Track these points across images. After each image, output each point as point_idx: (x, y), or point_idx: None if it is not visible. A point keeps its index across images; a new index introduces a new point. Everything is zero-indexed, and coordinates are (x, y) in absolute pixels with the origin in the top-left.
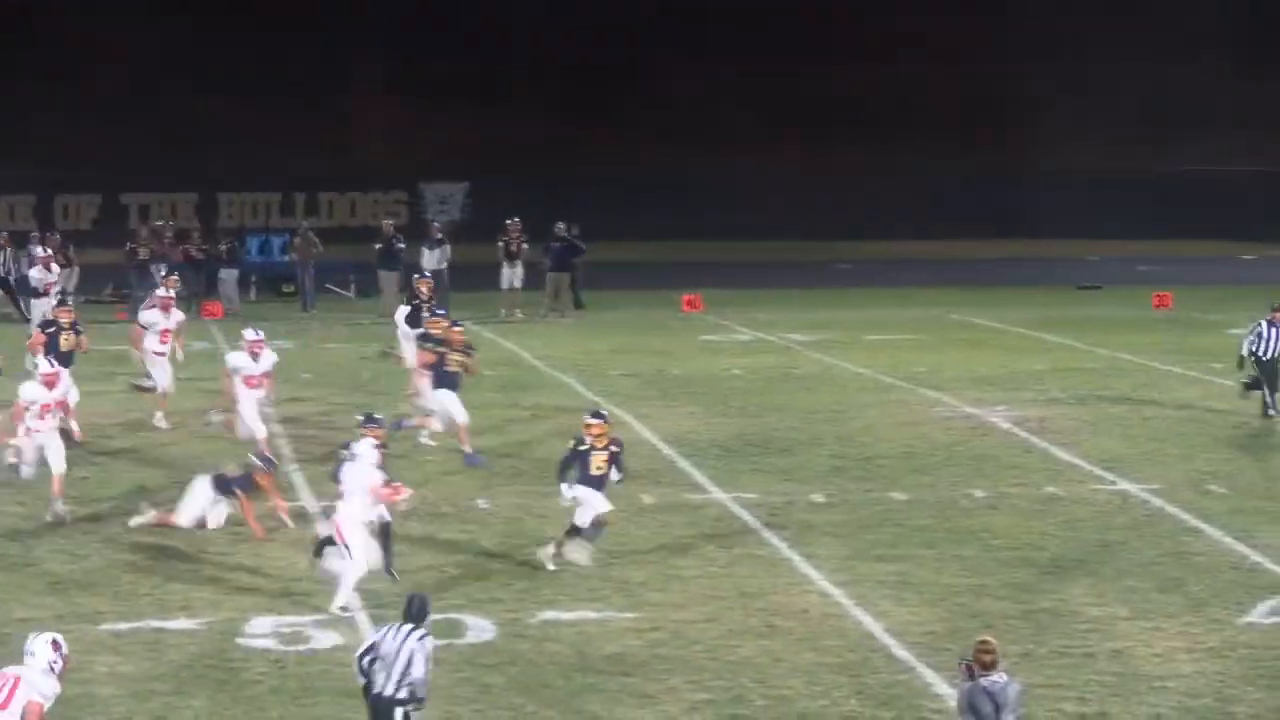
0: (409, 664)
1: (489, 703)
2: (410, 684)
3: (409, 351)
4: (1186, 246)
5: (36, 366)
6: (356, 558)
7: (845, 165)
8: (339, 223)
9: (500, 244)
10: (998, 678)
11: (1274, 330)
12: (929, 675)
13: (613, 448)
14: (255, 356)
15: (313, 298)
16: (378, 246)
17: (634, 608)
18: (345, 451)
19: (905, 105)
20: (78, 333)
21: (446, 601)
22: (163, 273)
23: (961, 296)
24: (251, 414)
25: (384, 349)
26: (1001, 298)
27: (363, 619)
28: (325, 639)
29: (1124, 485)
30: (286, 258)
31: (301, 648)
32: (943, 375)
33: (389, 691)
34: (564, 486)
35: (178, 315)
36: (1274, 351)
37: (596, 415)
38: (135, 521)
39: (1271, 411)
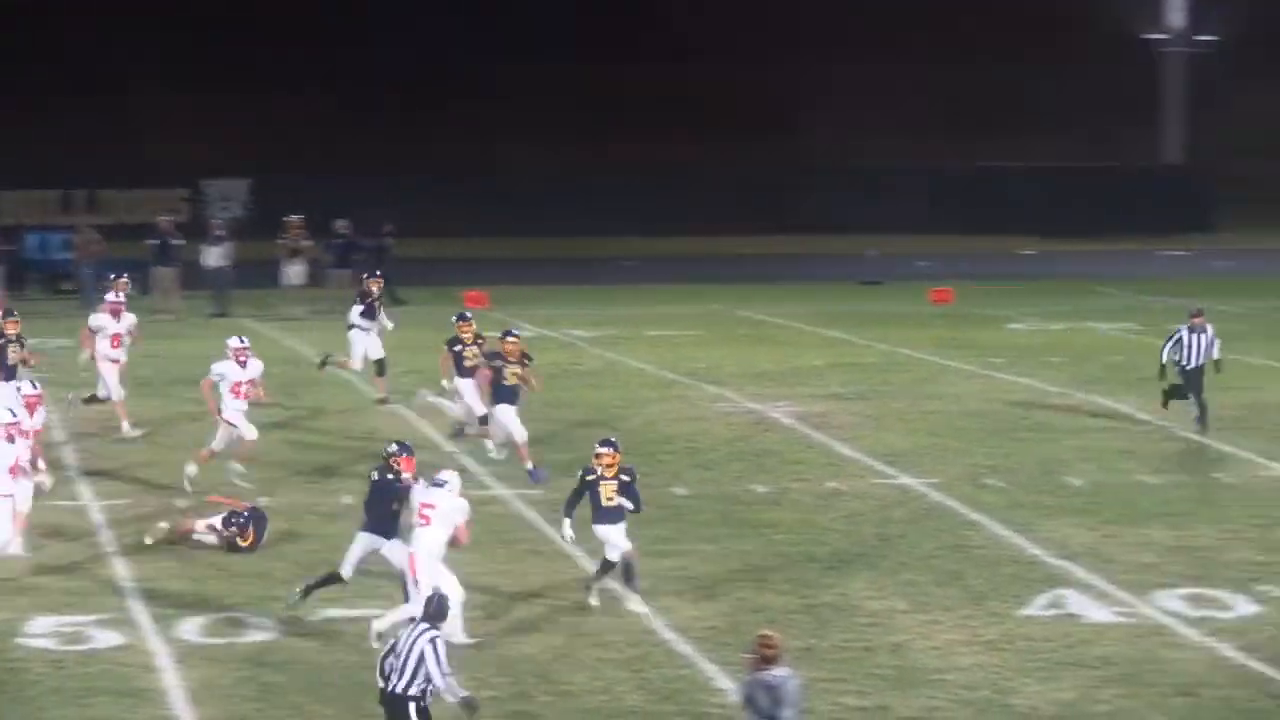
0: (420, 661)
1: (270, 702)
2: (423, 681)
3: (357, 354)
4: (965, 242)
5: None
6: (421, 596)
7: (626, 161)
8: (118, 219)
9: (281, 241)
10: (779, 672)
11: (1195, 337)
12: (710, 670)
13: (623, 476)
14: (242, 364)
15: (93, 295)
16: (153, 243)
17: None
18: (409, 478)
19: (686, 101)
20: (22, 345)
21: (226, 600)
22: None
23: (743, 292)
24: (242, 421)
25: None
26: (782, 293)
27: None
28: (105, 639)
29: (904, 479)
30: (66, 255)
31: (81, 648)
32: (724, 371)
33: (400, 689)
34: (565, 522)
35: (129, 319)
36: (1197, 359)
37: (606, 443)
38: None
39: (1198, 424)
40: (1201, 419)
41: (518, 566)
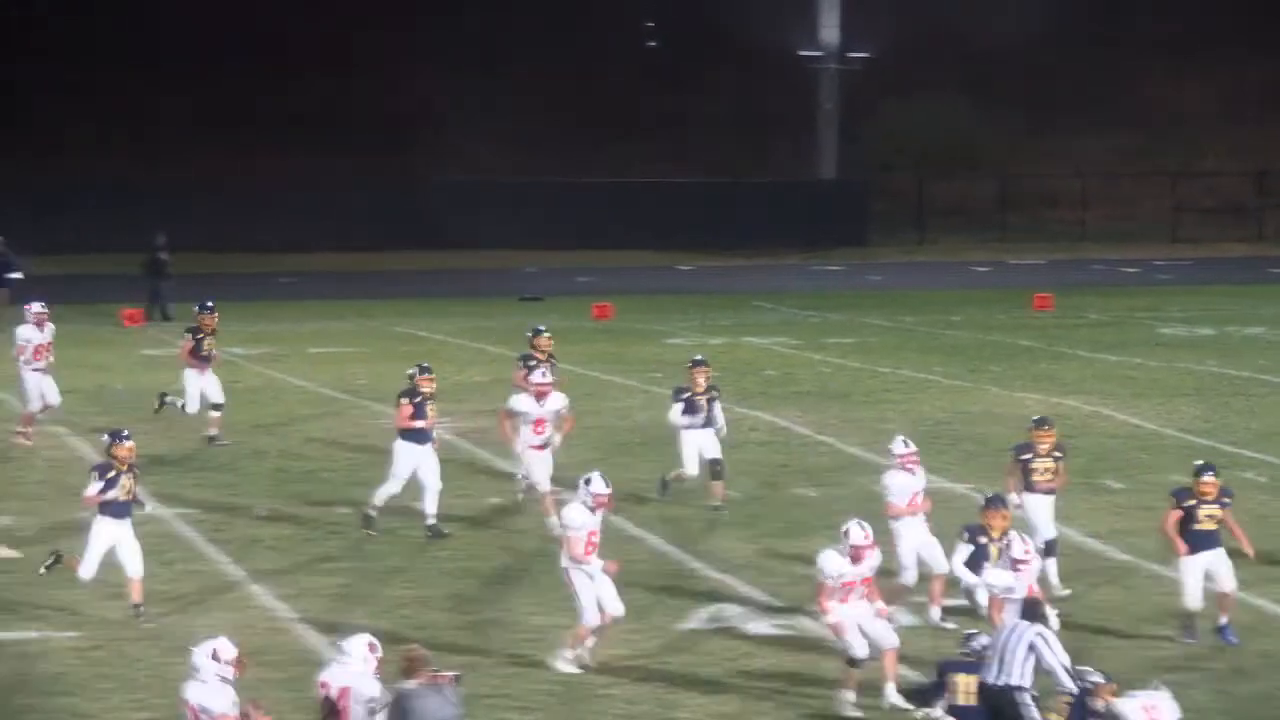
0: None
1: None
2: None
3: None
4: (624, 257)
5: None
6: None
7: (284, 176)
8: None
9: None
10: (425, 686)
11: None
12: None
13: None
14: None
15: None
16: None
17: (75, 627)
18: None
19: (344, 116)
20: None
21: None
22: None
23: (404, 308)
24: None
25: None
26: (443, 309)
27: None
28: None
29: (565, 495)
30: None
31: None
32: (385, 388)
33: None
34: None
35: (51, 329)
36: None
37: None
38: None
39: None
40: None
41: (178, 585)
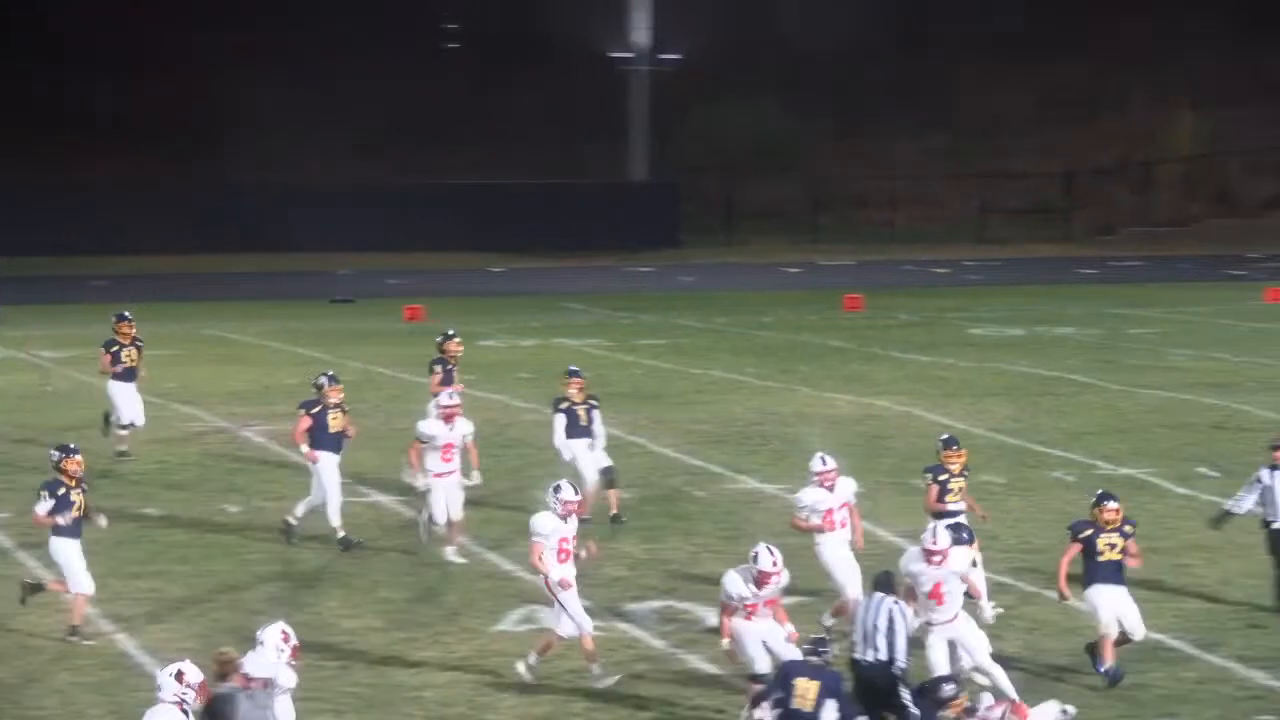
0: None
1: None
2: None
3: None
4: (435, 259)
5: None
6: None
7: (94, 178)
8: None
9: None
10: (237, 689)
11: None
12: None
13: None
14: None
15: None
16: None
17: None
18: None
19: (156, 116)
20: None
21: None
22: None
23: (213, 311)
24: None
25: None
26: (254, 312)
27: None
28: None
29: (376, 497)
30: None
31: None
32: (196, 390)
33: None
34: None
35: None
36: None
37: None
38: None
39: None
40: None
41: None
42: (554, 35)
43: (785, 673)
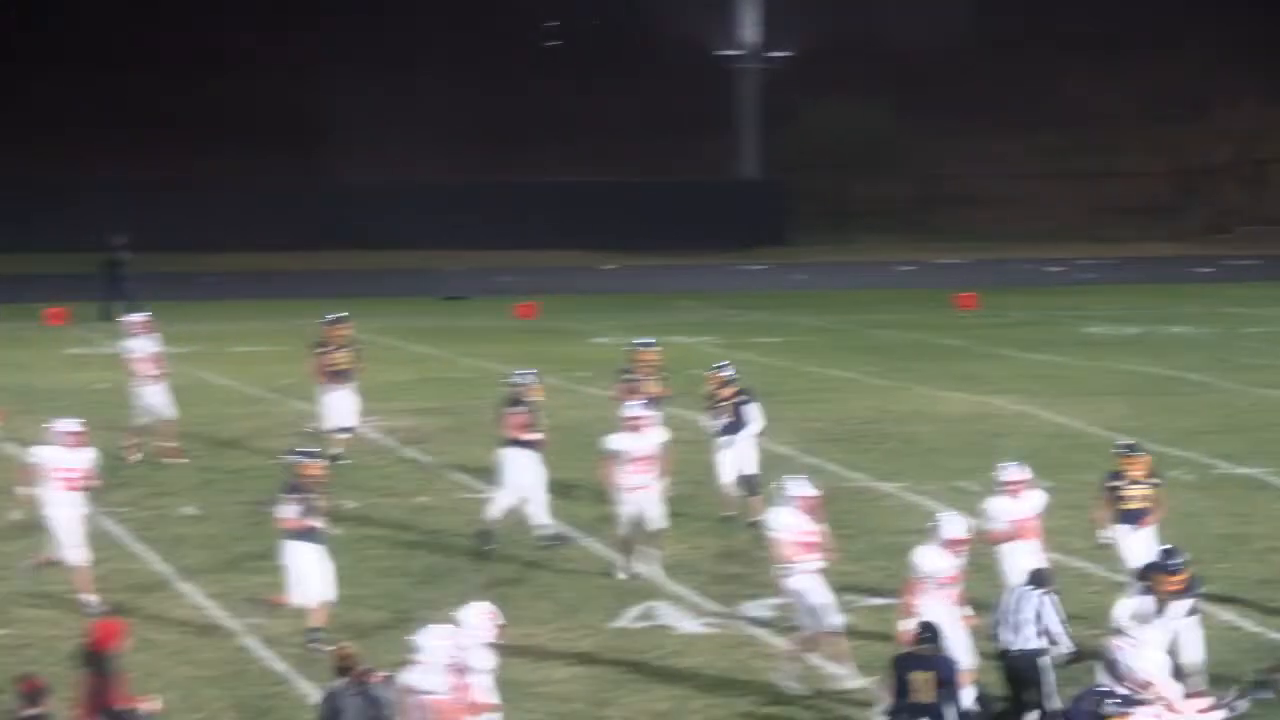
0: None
1: None
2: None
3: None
4: (547, 257)
5: None
6: None
7: (207, 176)
8: None
9: None
10: (354, 684)
11: None
12: (304, 686)
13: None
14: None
15: None
16: None
17: (4, 624)
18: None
19: (270, 115)
20: None
21: None
22: None
23: (324, 308)
24: None
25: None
26: (367, 309)
27: None
28: None
29: (493, 493)
30: None
31: None
32: (311, 387)
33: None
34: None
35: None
36: None
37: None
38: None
39: None
40: None
41: (105, 584)
42: (657, 32)
43: (900, 667)
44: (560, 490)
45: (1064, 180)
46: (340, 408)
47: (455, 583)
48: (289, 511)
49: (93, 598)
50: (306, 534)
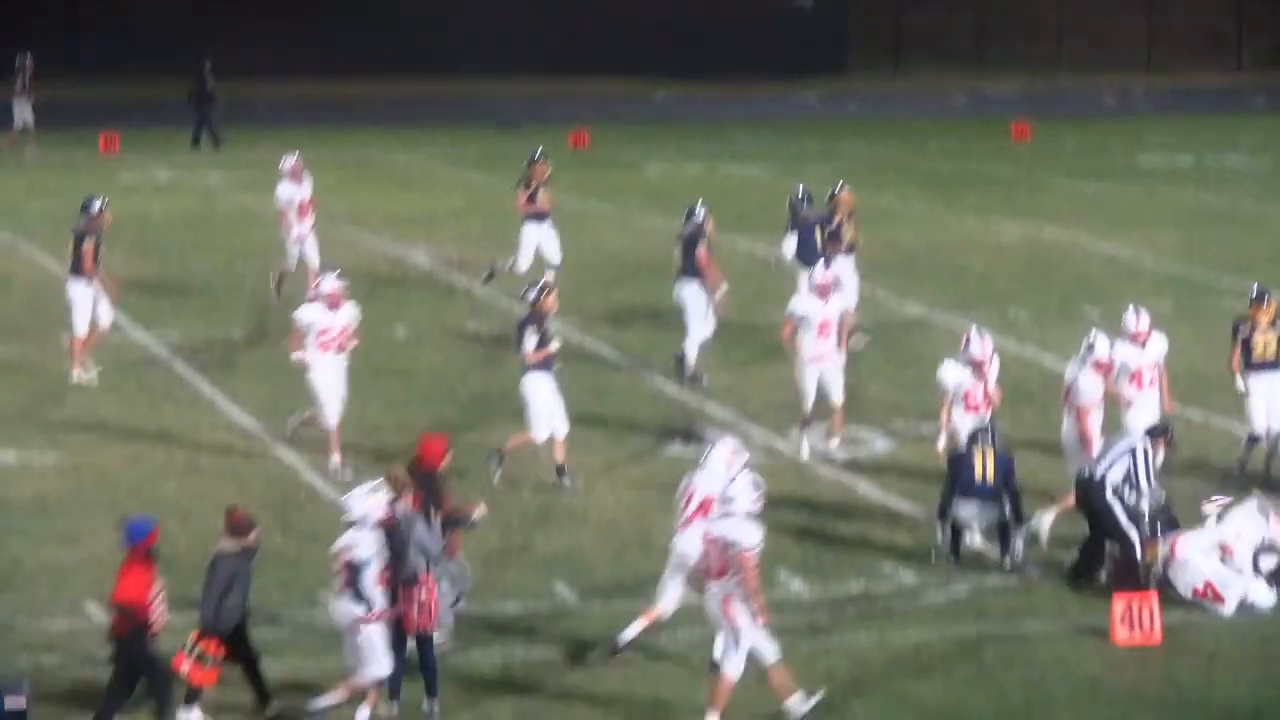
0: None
1: None
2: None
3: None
4: (597, 85)
5: None
6: None
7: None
8: None
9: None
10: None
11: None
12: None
13: None
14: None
15: None
16: None
17: (54, 448)
18: None
19: None
20: None
21: None
22: None
23: (381, 135)
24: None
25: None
26: (416, 136)
27: None
28: None
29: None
30: None
31: None
32: (364, 213)
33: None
34: None
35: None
36: None
37: None
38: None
39: None
40: None
41: (157, 410)
42: None
43: (969, 444)
44: (611, 317)
45: (1122, 9)
46: (545, 243)
47: (506, 410)
48: (530, 344)
49: (336, 460)
50: (544, 365)
